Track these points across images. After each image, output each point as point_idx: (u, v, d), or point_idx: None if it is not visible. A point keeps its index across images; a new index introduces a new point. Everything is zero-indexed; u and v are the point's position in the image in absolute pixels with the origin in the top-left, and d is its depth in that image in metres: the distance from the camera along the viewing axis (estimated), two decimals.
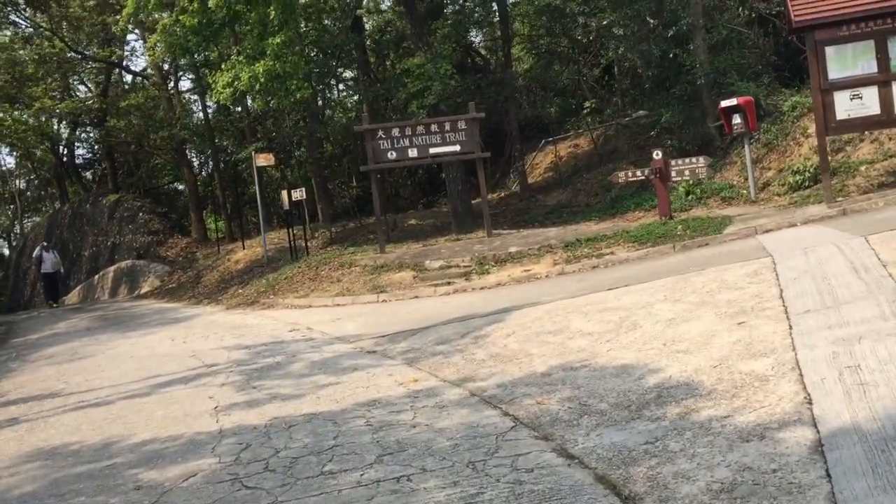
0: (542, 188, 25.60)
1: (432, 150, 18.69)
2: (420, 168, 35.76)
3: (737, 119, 16.90)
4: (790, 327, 6.72)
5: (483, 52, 33.42)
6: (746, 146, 17.07)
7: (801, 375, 5.56)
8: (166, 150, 31.55)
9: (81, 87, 38.68)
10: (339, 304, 15.89)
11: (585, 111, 28.26)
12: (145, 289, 27.44)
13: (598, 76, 31.79)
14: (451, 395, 7.29)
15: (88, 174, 45.86)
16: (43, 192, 51.24)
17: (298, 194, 20.66)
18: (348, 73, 32.60)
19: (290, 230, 21.44)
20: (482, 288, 14.40)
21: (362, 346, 10.58)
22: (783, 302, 7.53)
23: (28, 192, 55.97)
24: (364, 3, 28.84)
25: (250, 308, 17.98)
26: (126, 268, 28.88)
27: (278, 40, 19.58)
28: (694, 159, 15.84)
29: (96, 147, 41.33)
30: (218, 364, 10.55)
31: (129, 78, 38.78)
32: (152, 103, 30.59)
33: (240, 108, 28.84)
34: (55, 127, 38.66)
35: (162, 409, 8.29)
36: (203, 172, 35.42)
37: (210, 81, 21.10)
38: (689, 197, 18.08)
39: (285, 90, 19.67)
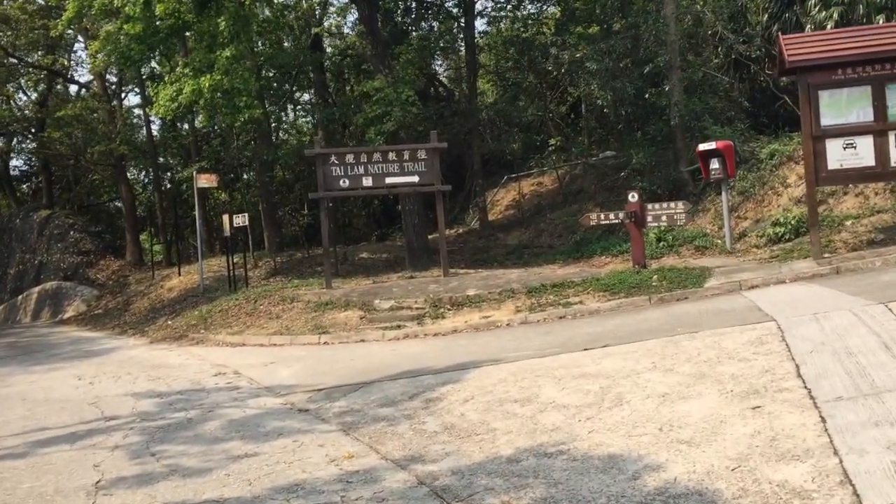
0: (502, 226, 24.34)
1: (389, 180, 17.27)
2: (376, 199, 34.39)
3: (715, 164, 15.85)
4: (822, 419, 5.38)
5: (446, 82, 32.31)
6: (724, 193, 16.01)
7: (857, 498, 4.19)
8: (105, 165, 29.57)
9: (22, 96, 36.51)
10: (275, 344, 14.28)
11: (550, 148, 27.26)
12: (69, 313, 25.34)
13: (565, 113, 30.88)
14: (394, 481, 5.79)
15: (25, 187, 43.39)
16: None
17: (241, 220, 19.03)
18: (305, 97, 31.23)
19: (230, 258, 19.75)
20: (436, 334, 12.93)
21: (293, 401, 9.01)
22: (803, 382, 6.21)
23: None
24: (325, 23, 27.50)
25: (177, 343, 16.23)
26: (51, 289, 26.74)
27: (227, 53, 18.09)
28: (672, 204, 14.69)
29: (33, 159, 39.05)
30: (119, 417, 8.87)
31: (74, 89, 36.83)
32: (93, 116, 28.65)
33: (186, 126, 27.14)
34: None
35: (31, 480, 6.62)
36: (146, 192, 33.43)
37: (153, 94, 19.44)
38: (661, 244, 16.94)
39: (233, 107, 18.12)
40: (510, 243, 22.51)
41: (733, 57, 20.74)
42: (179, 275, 23.64)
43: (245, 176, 29.97)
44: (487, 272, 17.89)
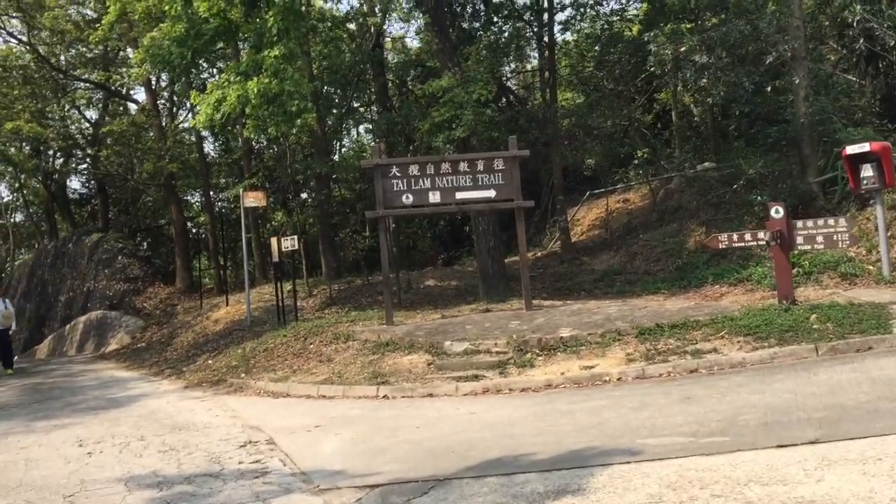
0: (587, 249, 21.38)
1: (460, 195, 14.59)
2: (442, 218, 31.85)
3: (868, 171, 12.70)
4: None
5: (518, 89, 29.58)
6: (880, 208, 12.83)
7: None
8: (155, 185, 27.73)
9: (75, 114, 35.14)
10: (324, 396, 11.67)
11: (636, 162, 24.27)
12: (112, 346, 23.34)
13: (650, 123, 27.80)
14: None
15: (85, 211, 42.24)
16: (35, 228, 47.59)
17: (290, 243, 16.59)
18: (364, 112, 28.89)
19: (279, 287, 17.32)
20: (525, 390, 10.12)
21: None
22: None
23: (25, 226, 52.52)
24: (385, 26, 25.13)
25: (213, 389, 13.78)
26: (96, 319, 24.86)
27: (276, 52, 15.73)
28: (831, 221, 11.54)
29: (91, 181, 37.75)
30: None
31: (133, 107, 35.37)
32: (141, 132, 26.85)
33: (239, 141, 25.03)
34: (48, 157, 35.11)
35: None
36: (199, 214, 31.56)
37: (196, 103, 17.22)
38: (796, 270, 13.77)
39: (284, 114, 15.71)
40: (597, 268, 19.54)
41: (863, 47, 17.44)
42: (227, 304, 21.37)
43: (303, 195, 27.76)
44: (578, 304, 14.99)
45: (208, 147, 31.12)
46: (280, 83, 15.46)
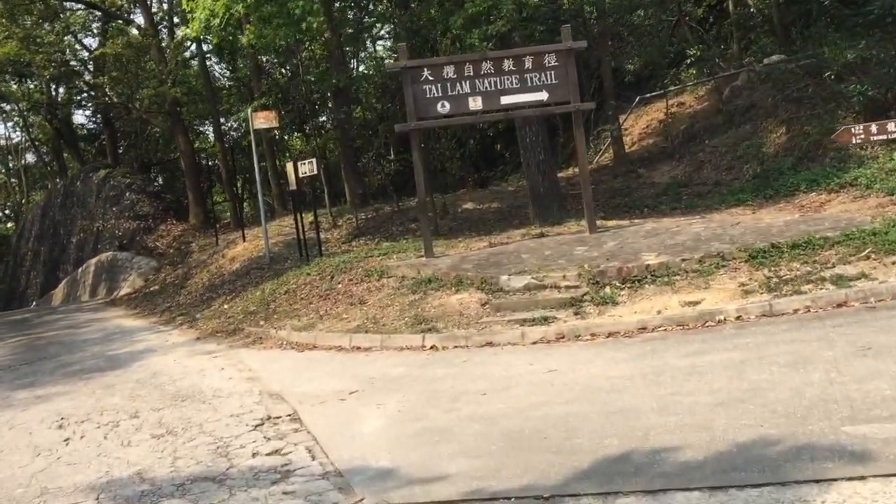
0: (642, 160, 18.92)
1: (506, 99, 12.18)
2: (473, 136, 29.33)
3: None
4: None
5: None
6: None
7: None
8: (159, 114, 25.43)
9: (73, 42, 32.60)
10: (358, 348, 9.64)
11: (689, 60, 21.50)
12: (124, 289, 21.52)
13: (701, 16, 24.79)
14: None
15: (93, 147, 40.12)
16: (46, 168, 45.71)
17: (308, 167, 14.34)
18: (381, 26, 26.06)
19: (300, 218, 15.15)
20: (612, 335, 7.98)
21: None
22: None
23: (36, 167, 50.69)
24: None
25: (228, 341, 11.82)
26: (106, 261, 22.99)
27: None
28: None
29: (98, 115, 35.46)
30: None
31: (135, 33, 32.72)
32: (140, 55, 24.37)
33: (248, 60, 22.53)
34: (45, 89, 32.78)
35: None
36: (208, 142, 29.22)
37: (188, 9, 14.79)
38: None
39: (287, 17, 13.28)
40: (658, 181, 17.14)
41: None
42: (244, 240, 19.32)
43: (322, 117, 25.33)
44: (650, 223, 12.70)
45: (216, 71, 28.68)
46: None
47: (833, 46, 15.68)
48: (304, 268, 14.18)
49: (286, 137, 24.95)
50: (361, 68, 28.01)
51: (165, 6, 26.05)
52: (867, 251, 8.15)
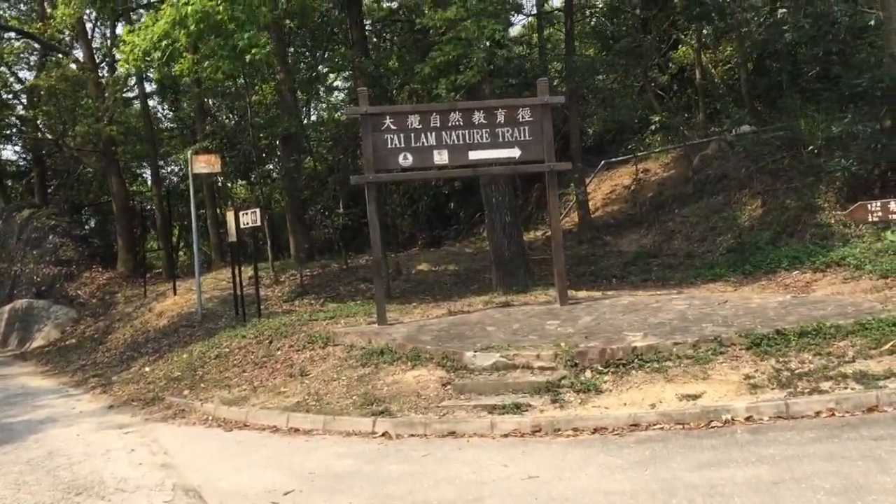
0: (608, 226, 18.03)
1: (475, 155, 11.09)
2: (426, 193, 28.31)
3: None
4: None
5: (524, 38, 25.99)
6: None
7: None
8: (93, 152, 23.72)
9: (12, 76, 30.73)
10: (297, 430, 8.24)
11: (653, 127, 20.93)
12: (38, 341, 19.54)
13: (666, 84, 24.44)
14: None
15: (21, 185, 37.80)
16: None
17: (251, 218, 12.96)
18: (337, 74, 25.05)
19: (237, 272, 13.72)
20: (597, 431, 6.78)
21: None
22: None
23: None
24: None
25: (144, 412, 10.24)
26: (21, 309, 20.96)
27: None
28: None
29: (28, 151, 33.39)
30: None
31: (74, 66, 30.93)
32: (77, 90, 22.75)
33: (190, 100, 21.17)
34: None
35: None
36: (144, 185, 27.45)
37: (126, 39, 13.47)
38: None
39: (231, 49, 12.10)
40: (625, 250, 16.23)
41: None
42: (175, 293, 17.68)
43: (269, 166, 23.99)
44: (626, 297, 11.62)
45: (158, 112, 27.18)
46: (228, 6, 11.82)
47: (809, 119, 15.14)
48: (239, 329, 12.70)
49: (230, 185, 23.50)
50: (314, 117, 26.93)
51: (109, 42, 24.61)
52: (890, 344, 7.15)
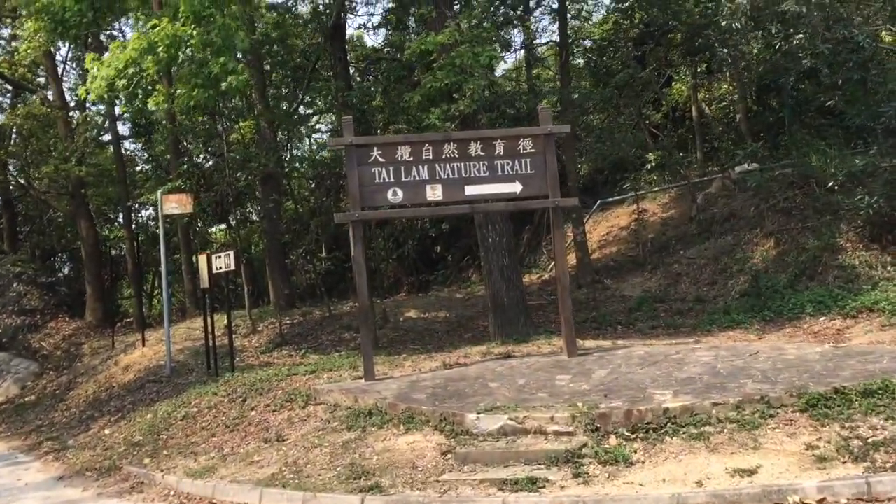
0: (608, 269, 16.97)
1: (471, 190, 10.02)
2: (412, 235, 27.24)
3: None
4: None
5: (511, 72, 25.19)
6: None
7: None
8: (62, 195, 22.50)
9: None
10: None
11: (649, 166, 20.05)
12: None
13: (660, 122, 23.69)
14: None
15: None
16: None
17: (224, 262, 11.78)
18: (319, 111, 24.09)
19: (210, 321, 12.48)
20: None
21: None
22: None
23: None
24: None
25: (98, 484, 8.96)
26: None
27: None
28: None
29: None
30: None
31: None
32: (47, 128, 21.60)
33: (165, 140, 20.07)
34: None
35: None
36: (115, 230, 26.09)
37: (91, 67, 12.41)
38: None
39: (206, 77, 11.08)
40: (628, 294, 15.15)
41: None
42: (144, 344, 16.35)
43: (248, 208, 22.85)
44: (641, 347, 10.50)
45: (135, 154, 26.05)
46: (202, 32, 10.81)
47: (820, 154, 14.26)
48: (210, 385, 11.43)
49: (208, 228, 22.31)
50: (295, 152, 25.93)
51: (82, 81, 23.59)
52: None
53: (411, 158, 9.95)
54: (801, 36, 11.51)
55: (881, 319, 10.23)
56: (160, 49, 10.97)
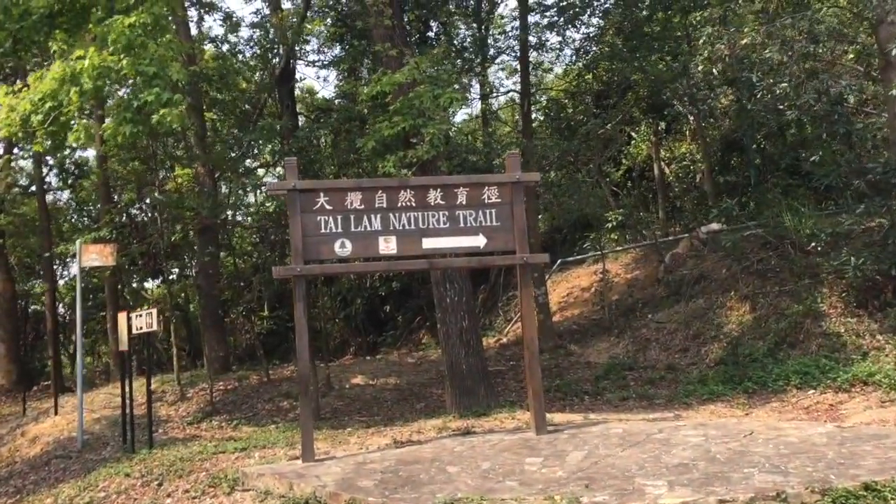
0: (571, 333, 15.92)
1: (430, 243, 8.87)
2: (359, 294, 25.99)
3: None
4: None
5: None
6: None
7: None
8: None
9: None
10: None
11: (610, 225, 19.25)
12: None
13: (620, 179, 23.10)
14: None
15: None
16: None
17: (146, 321, 10.34)
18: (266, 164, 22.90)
19: (127, 388, 10.96)
20: None
21: None
22: None
23: None
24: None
25: None
26: None
27: (132, 20, 9.97)
28: None
29: None
30: None
31: None
32: None
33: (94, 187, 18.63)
34: None
35: None
36: (35, 285, 24.19)
37: (2, 102, 11.06)
38: None
39: (134, 109, 9.86)
40: (594, 361, 14.07)
41: None
42: (57, 412, 14.64)
43: (185, 261, 21.36)
44: (618, 423, 9.34)
45: (65, 199, 24.40)
46: (133, 61, 9.62)
47: (793, 213, 13.56)
48: (124, 464, 9.89)
49: (141, 284, 20.74)
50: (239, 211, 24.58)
51: None
52: None
53: (362, 206, 8.79)
54: (784, 85, 10.81)
55: (879, 394, 9.29)
56: (85, 81, 9.73)
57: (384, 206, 8.83)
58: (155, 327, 10.17)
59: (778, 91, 11.05)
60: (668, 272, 15.52)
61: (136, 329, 10.47)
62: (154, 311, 10.07)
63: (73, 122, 11.37)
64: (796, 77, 10.60)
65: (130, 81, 10.72)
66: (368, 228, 8.77)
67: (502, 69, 23.42)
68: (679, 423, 9.05)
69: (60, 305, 25.61)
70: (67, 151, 18.90)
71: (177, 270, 19.23)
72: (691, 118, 20.69)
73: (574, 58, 18.19)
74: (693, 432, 8.28)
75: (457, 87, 11.15)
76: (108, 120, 11.76)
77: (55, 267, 20.46)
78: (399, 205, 8.84)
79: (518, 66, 17.22)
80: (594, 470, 7.12)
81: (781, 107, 11.78)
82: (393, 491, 7.00)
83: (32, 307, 24.28)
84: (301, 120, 21.23)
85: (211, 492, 8.15)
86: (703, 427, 8.57)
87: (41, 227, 19.28)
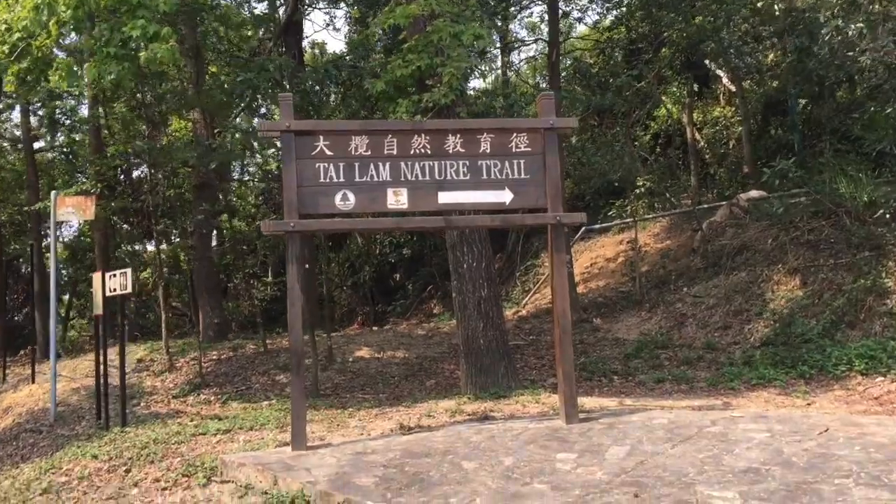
0: (597, 306, 14.62)
1: (446, 198, 7.55)
2: (369, 260, 24.82)
3: None
4: None
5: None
6: None
7: None
8: None
9: None
10: None
11: (638, 191, 17.87)
12: None
13: (648, 145, 21.64)
14: None
15: None
16: None
17: (119, 282, 9.09)
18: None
19: (101, 357, 9.75)
20: None
21: None
22: None
23: None
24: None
25: None
26: None
27: None
28: None
29: None
30: None
31: None
32: None
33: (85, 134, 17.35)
34: None
35: None
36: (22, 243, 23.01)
37: None
38: None
39: (119, 44, 8.56)
40: (623, 337, 12.78)
41: None
42: (34, 381, 13.50)
43: (185, 220, 20.14)
44: (662, 413, 8.05)
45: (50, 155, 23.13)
46: None
47: (849, 180, 12.16)
48: (94, 443, 8.71)
49: (134, 244, 19.54)
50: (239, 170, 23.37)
51: None
52: None
53: (369, 153, 7.47)
54: (860, 25, 9.33)
55: None
56: (62, 8, 8.40)
57: (395, 153, 7.50)
58: (129, 289, 8.92)
59: (851, 31, 9.60)
60: (705, 242, 14.16)
61: (110, 290, 9.22)
62: (128, 271, 8.82)
63: (46, 59, 10.06)
64: (875, 16, 9.18)
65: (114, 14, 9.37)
66: (375, 179, 7.45)
67: (523, 27, 21.96)
68: (733, 413, 7.76)
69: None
70: (58, 102, 17.66)
71: (173, 231, 17.92)
72: (725, 79, 19.21)
73: (607, 7, 16.67)
74: (754, 426, 6.99)
75: (484, 23, 9.69)
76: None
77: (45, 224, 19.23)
78: (412, 152, 7.51)
79: (546, 15, 15.71)
80: (641, 472, 5.84)
81: (851, 53, 10.34)
82: (397, 492, 5.75)
83: (25, 269, 23.14)
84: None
85: (184, 482, 6.95)
86: (764, 420, 7.27)
87: (28, 181, 18.06)
